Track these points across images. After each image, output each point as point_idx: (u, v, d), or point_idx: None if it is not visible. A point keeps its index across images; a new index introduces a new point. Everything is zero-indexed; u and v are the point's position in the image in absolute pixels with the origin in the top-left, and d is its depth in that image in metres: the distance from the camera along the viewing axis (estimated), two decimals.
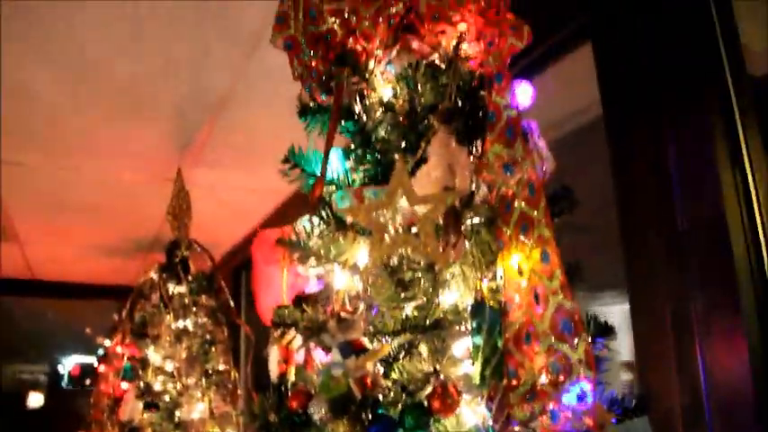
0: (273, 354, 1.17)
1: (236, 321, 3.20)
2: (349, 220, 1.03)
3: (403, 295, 1.00)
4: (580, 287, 1.21)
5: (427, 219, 0.95)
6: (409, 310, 1.04)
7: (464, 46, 1.18)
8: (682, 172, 1.57)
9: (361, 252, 1.09)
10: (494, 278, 1.07)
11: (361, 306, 1.04)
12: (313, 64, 1.24)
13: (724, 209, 1.45)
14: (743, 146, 1.54)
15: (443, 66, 1.20)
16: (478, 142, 1.08)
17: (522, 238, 0.95)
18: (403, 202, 0.97)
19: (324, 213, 1.09)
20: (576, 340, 0.89)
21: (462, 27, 1.16)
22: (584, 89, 1.96)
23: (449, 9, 1.15)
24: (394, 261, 1.01)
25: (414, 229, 0.98)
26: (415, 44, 1.26)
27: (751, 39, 1.81)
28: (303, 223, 1.20)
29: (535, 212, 0.95)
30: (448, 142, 1.02)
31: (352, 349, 0.98)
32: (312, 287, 1.37)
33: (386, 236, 0.96)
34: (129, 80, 2.62)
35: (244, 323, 3.19)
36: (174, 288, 3.16)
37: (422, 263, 1.00)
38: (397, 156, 1.15)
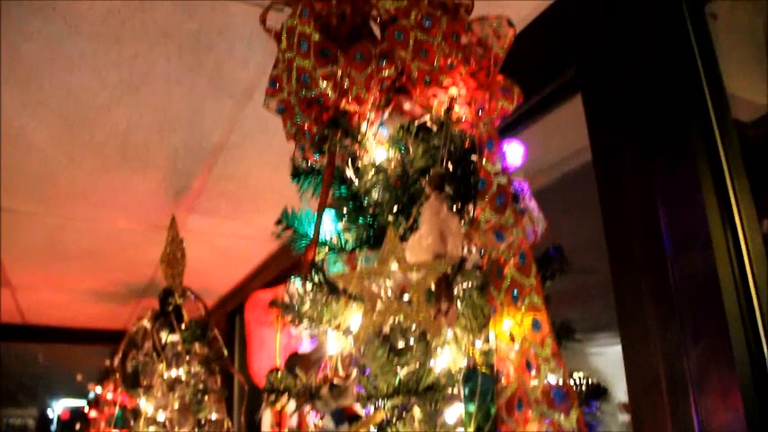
0: (266, 418, 1.16)
1: (229, 370, 3.18)
2: (341, 285, 1.04)
3: (396, 361, 1.00)
4: (572, 339, 1.22)
5: (419, 287, 0.96)
6: (402, 373, 1.04)
7: (456, 109, 1.20)
8: (672, 225, 1.58)
9: (353, 316, 1.10)
10: (486, 341, 1.07)
11: (354, 372, 1.04)
12: (306, 126, 1.25)
13: (715, 264, 1.46)
14: (732, 199, 1.56)
15: (435, 128, 1.22)
16: (469, 208, 1.09)
17: (513, 304, 0.96)
18: (395, 270, 0.98)
19: (316, 278, 1.10)
20: (568, 408, 0.89)
21: (453, 91, 1.18)
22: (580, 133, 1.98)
23: (440, 73, 1.18)
24: (386, 328, 1.01)
25: (406, 296, 0.98)
26: (407, 105, 1.28)
27: (738, 86, 1.84)
28: (296, 285, 1.21)
29: (526, 280, 0.95)
30: (439, 209, 1.03)
31: (345, 416, 0.98)
32: (306, 347, 1.37)
33: (378, 303, 0.97)
34: (125, 131, 2.64)
35: (237, 372, 3.16)
36: (167, 336, 3.15)
37: (414, 330, 1.00)
38: (389, 219, 1.16)
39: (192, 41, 2.11)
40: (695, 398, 1.44)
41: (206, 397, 3.08)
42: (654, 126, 1.66)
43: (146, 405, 3.04)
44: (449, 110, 1.18)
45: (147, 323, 3.24)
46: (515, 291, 0.96)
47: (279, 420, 1.16)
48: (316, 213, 1.26)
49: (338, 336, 1.11)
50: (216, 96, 2.40)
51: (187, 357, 3.08)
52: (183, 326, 3.19)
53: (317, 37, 1.16)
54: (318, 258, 1.18)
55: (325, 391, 1.01)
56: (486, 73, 1.23)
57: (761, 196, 1.73)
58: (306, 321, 1.14)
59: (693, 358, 1.47)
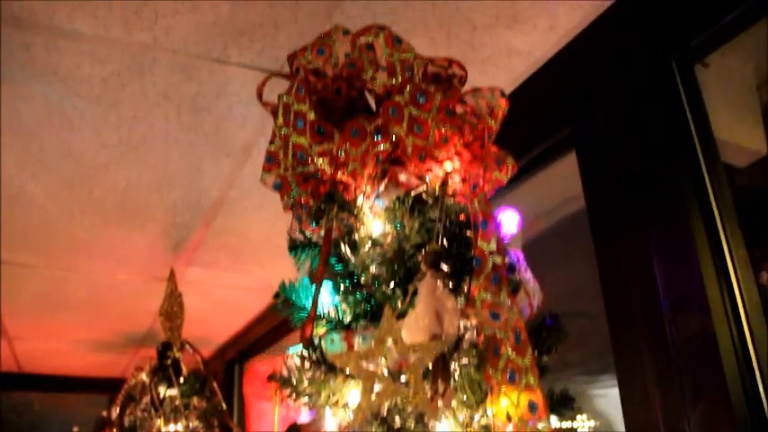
0: None
1: (228, 425, 3.15)
2: (339, 365, 1.04)
3: None
4: (571, 408, 1.22)
5: (416, 367, 0.96)
6: None
7: (451, 182, 1.21)
8: (669, 284, 1.59)
9: (351, 393, 1.10)
10: (484, 416, 1.07)
11: None
12: (302, 200, 1.27)
13: (713, 324, 1.46)
14: (727, 255, 1.57)
15: (431, 200, 1.23)
16: (465, 285, 1.10)
17: (509, 384, 0.96)
18: (392, 350, 0.99)
19: (314, 356, 1.10)
20: None
21: (448, 166, 1.20)
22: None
23: (434, 147, 1.19)
24: (383, 410, 1.01)
25: (403, 377, 0.99)
26: (402, 177, 1.30)
27: (732, 133, 1.87)
28: (294, 358, 1.21)
29: (521, 361, 0.96)
30: (435, 287, 1.04)
31: None
32: (304, 418, 1.36)
33: (376, 384, 0.97)
34: (124, 189, 2.66)
35: (236, 426, 3.13)
36: (165, 391, 3.13)
37: (411, 412, 1.01)
38: (386, 293, 1.17)
39: (190, 103, 2.14)
40: None
41: None
42: (647, 181, 1.68)
43: None
44: (444, 184, 1.20)
45: (145, 377, 3.22)
46: (511, 371, 0.96)
47: None
48: (313, 287, 1.27)
49: (336, 411, 1.12)
50: (214, 155, 2.43)
51: (185, 412, 3.05)
52: (181, 379, 3.17)
53: (312, 115, 1.19)
54: (316, 332, 1.19)
55: None
56: (480, 144, 1.25)
57: (756, 245, 1.75)
58: (304, 396, 1.14)
59: (694, 420, 1.47)
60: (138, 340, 4.90)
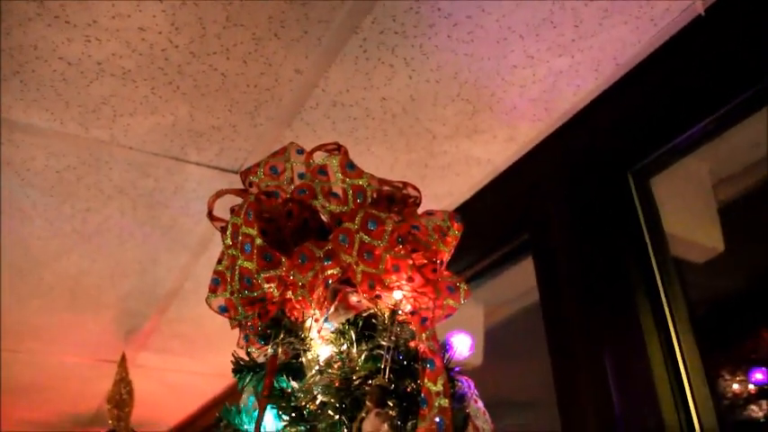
0: None
1: None
2: None
3: None
4: None
5: None
6: None
7: (401, 311, 1.19)
8: (625, 406, 1.58)
9: None
10: None
11: None
12: (249, 322, 1.24)
13: None
14: (683, 374, 1.57)
15: (381, 325, 1.21)
16: (409, 425, 1.07)
17: None
18: None
19: None
20: None
21: (398, 295, 1.18)
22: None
23: (385, 275, 1.18)
24: None
25: None
26: (353, 298, 1.28)
27: (687, 230, 1.89)
28: None
29: None
30: (379, 428, 1.01)
31: None
32: None
33: None
34: (75, 276, 2.59)
35: None
36: None
37: None
38: (331, 419, 1.13)
39: (146, 198, 2.12)
40: None
41: None
42: (602, 290, 1.69)
43: None
44: (393, 313, 1.18)
45: None
46: None
47: None
48: (256, 412, 1.23)
49: None
50: (169, 248, 2.39)
51: None
52: None
53: (259, 241, 1.17)
54: None
55: None
56: (433, 268, 1.24)
57: (713, 349, 1.75)
58: None
59: None
60: (84, 422, 4.71)
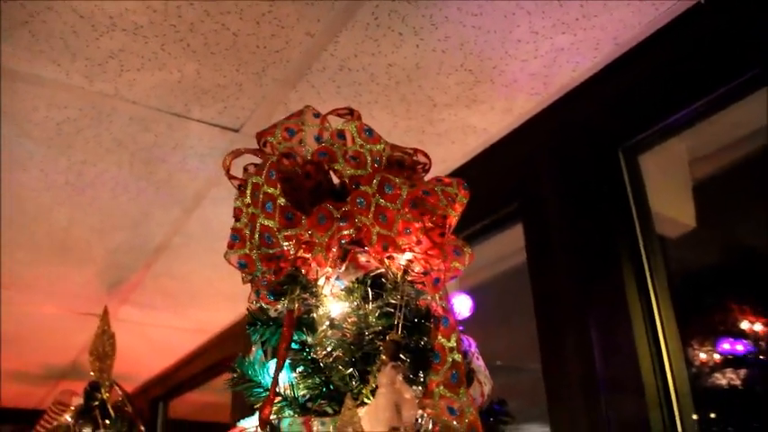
0: None
1: None
2: None
3: None
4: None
5: None
6: None
7: (411, 271, 1.26)
8: (606, 366, 1.67)
9: None
10: None
11: None
12: (265, 277, 1.29)
13: (647, 410, 1.55)
14: (661, 337, 1.67)
15: (390, 286, 1.27)
16: (422, 376, 1.14)
17: None
18: None
19: None
20: None
21: (409, 255, 1.24)
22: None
23: (397, 237, 1.23)
24: None
25: None
26: (363, 258, 1.33)
27: (663, 206, 1.98)
28: None
29: None
30: (395, 379, 1.07)
31: None
32: None
33: None
34: (65, 228, 2.61)
35: None
36: None
37: None
38: (344, 374, 1.20)
39: (145, 153, 2.14)
40: None
41: None
42: (589, 259, 1.77)
43: None
44: (405, 272, 1.24)
45: (69, 418, 3.11)
46: None
47: None
48: (266, 363, 1.28)
49: None
50: (163, 203, 2.42)
51: None
52: (107, 422, 3.08)
53: (282, 201, 1.22)
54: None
55: None
56: (439, 232, 1.30)
57: (687, 320, 1.85)
58: None
59: None
60: (58, 373, 4.74)
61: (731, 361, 2.33)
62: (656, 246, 1.80)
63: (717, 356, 2.36)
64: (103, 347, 3.17)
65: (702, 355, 2.35)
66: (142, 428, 3.18)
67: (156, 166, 2.21)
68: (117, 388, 3.16)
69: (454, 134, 2.06)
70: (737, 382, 2.30)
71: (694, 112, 1.68)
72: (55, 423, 3.24)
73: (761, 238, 2.32)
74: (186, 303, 3.42)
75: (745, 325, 2.36)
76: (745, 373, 2.32)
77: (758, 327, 2.35)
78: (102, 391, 3.12)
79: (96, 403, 3.11)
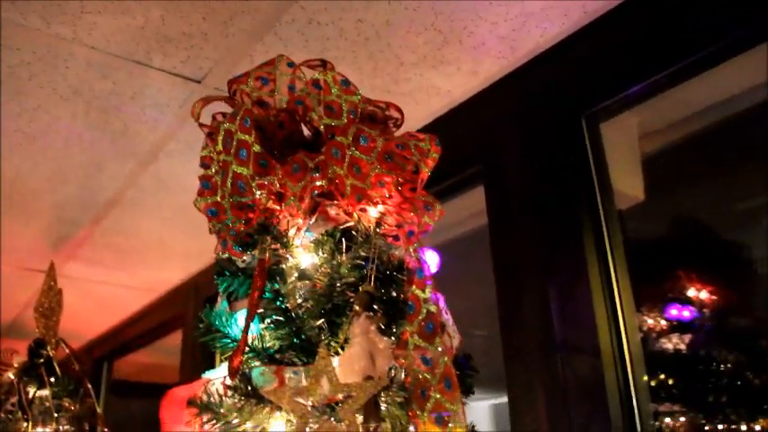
0: None
1: (102, 429, 3.03)
2: (274, 401, 1.06)
3: None
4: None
5: (350, 407, 1.00)
6: None
7: (383, 224, 1.26)
8: (564, 327, 1.71)
9: (276, 425, 1.12)
10: None
11: None
12: (234, 226, 1.27)
13: (603, 370, 1.59)
14: (618, 300, 1.71)
15: (361, 238, 1.27)
16: (394, 328, 1.15)
17: (436, 425, 1.02)
18: (326, 388, 1.02)
19: (243, 387, 1.11)
20: None
21: (381, 208, 1.24)
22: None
23: (371, 189, 1.23)
24: None
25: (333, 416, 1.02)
26: (332, 211, 1.33)
27: (614, 179, 2.02)
28: (215, 385, 1.21)
29: (450, 406, 1.02)
30: (368, 329, 1.08)
31: None
32: None
33: (310, 422, 1.00)
34: (12, 180, 2.52)
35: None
36: (34, 391, 2.96)
37: None
38: (314, 326, 1.20)
39: (101, 102, 2.07)
40: None
41: None
42: (550, 222, 1.81)
43: None
44: (378, 226, 1.24)
45: (12, 376, 3.03)
46: (440, 414, 1.02)
47: None
48: (233, 315, 1.28)
49: None
50: (117, 155, 2.36)
51: (56, 415, 2.91)
52: (52, 380, 3.02)
53: (257, 148, 1.20)
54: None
55: None
56: (410, 187, 1.31)
57: (640, 282, 1.91)
58: (226, 425, 1.15)
59: None
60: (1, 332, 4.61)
61: (678, 326, 2.43)
62: (615, 213, 1.84)
63: (664, 322, 2.45)
64: (50, 304, 3.09)
65: (650, 321, 2.44)
66: (89, 387, 3.14)
67: (112, 116, 2.14)
68: (63, 346, 3.11)
69: (419, 95, 2.05)
70: (683, 347, 2.40)
71: (657, 83, 1.71)
72: None
73: (706, 212, 2.41)
74: (135, 261, 3.36)
75: (691, 292, 2.46)
76: (691, 338, 2.42)
77: (704, 294, 2.45)
78: (48, 348, 3.06)
79: (41, 361, 3.05)
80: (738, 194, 2.23)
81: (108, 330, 4.52)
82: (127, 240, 3.10)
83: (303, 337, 1.19)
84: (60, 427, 2.89)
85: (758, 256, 2.29)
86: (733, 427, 2.35)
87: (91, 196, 2.66)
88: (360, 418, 1.03)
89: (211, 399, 1.19)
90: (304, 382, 1.08)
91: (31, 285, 3.41)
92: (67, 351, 3.09)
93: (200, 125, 1.35)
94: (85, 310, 4.08)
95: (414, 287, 1.12)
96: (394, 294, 1.19)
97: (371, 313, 1.12)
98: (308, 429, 1.01)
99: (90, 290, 3.77)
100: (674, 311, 2.40)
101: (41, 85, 1.99)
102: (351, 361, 1.05)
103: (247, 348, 1.23)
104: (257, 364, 1.18)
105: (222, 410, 1.15)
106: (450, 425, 1.01)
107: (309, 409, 1.02)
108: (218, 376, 1.26)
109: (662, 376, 2.20)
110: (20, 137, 2.25)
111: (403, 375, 1.11)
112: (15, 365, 3.11)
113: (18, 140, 2.27)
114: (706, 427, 2.34)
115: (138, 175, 2.50)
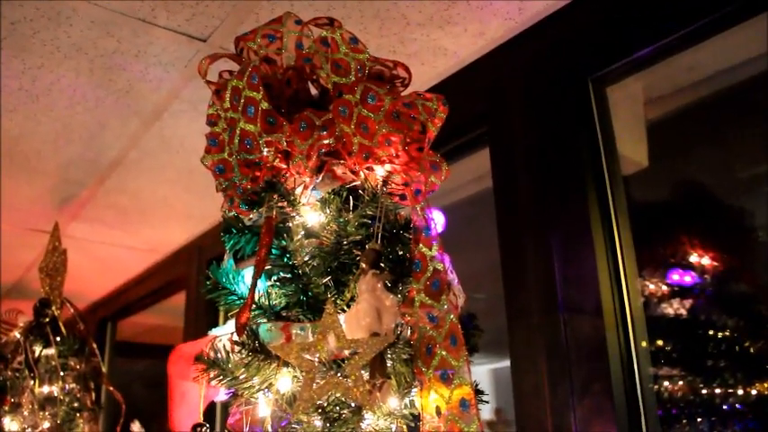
0: None
1: (107, 388, 3.07)
2: (281, 356, 1.07)
3: (330, 429, 1.05)
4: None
5: (357, 363, 1.01)
6: None
7: (390, 182, 1.26)
8: (567, 287, 1.72)
9: (282, 380, 1.13)
10: (408, 407, 1.14)
11: None
12: (241, 184, 1.27)
13: (605, 331, 1.61)
14: (621, 266, 1.72)
15: (367, 197, 1.27)
16: (401, 285, 1.16)
17: (441, 382, 1.03)
18: (333, 344, 1.03)
19: (251, 343, 1.12)
20: None
21: (388, 167, 1.24)
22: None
23: (378, 147, 1.23)
24: (324, 400, 1.05)
25: (341, 372, 1.03)
26: (339, 170, 1.33)
27: (619, 144, 2.02)
28: (222, 341, 1.23)
29: (456, 362, 1.03)
30: (375, 286, 1.09)
31: None
32: (222, 397, 1.38)
33: (317, 378, 1.01)
34: (15, 139, 2.51)
35: (114, 390, 3.05)
36: (40, 350, 2.99)
37: (351, 404, 1.05)
38: (320, 284, 1.20)
39: (105, 60, 2.06)
40: None
41: (78, 415, 2.96)
42: (554, 184, 1.81)
43: (10, 424, 2.88)
44: (385, 184, 1.24)
45: (18, 335, 3.06)
46: (445, 371, 1.03)
47: None
48: (241, 272, 1.28)
49: (268, 397, 1.14)
50: (122, 114, 2.35)
51: (62, 373, 2.94)
52: (58, 339, 3.05)
53: (265, 105, 1.19)
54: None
55: None
56: (417, 147, 1.30)
57: (643, 247, 1.92)
58: (233, 380, 1.16)
59: (579, 414, 1.61)
60: (3, 292, 4.63)
61: (679, 292, 2.44)
62: (620, 177, 1.84)
63: (665, 287, 2.47)
64: (54, 264, 3.11)
65: (651, 286, 2.45)
66: (94, 346, 3.18)
67: (116, 75, 2.13)
68: (68, 305, 3.13)
69: (425, 55, 2.04)
70: (683, 312, 2.41)
71: (664, 47, 1.70)
72: (3, 339, 3.19)
73: (709, 179, 2.41)
74: (139, 221, 3.36)
75: (693, 258, 2.47)
76: (691, 303, 2.43)
77: (705, 260, 2.46)
78: (53, 308, 3.08)
79: (47, 320, 3.08)
80: (741, 162, 2.23)
81: (111, 291, 4.55)
82: (130, 201, 3.11)
83: (310, 294, 1.20)
84: (66, 385, 2.93)
85: (760, 223, 2.30)
86: (730, 391, 2.38)
87: (94, 156, 2.65)
88: (366, 374, 1.04)
89: (218, 355, 1.21)
90: (311, 338, 1.09)
91: (35, 246, 3.42)
92: (72, 311, 3.12)
93: (208, 82, 1.35)
94: (89, 270, 4.09)
95: (421, 245, 1.12)
96: (400, 253, 1.20)
97: (378, 270, 1.13)
98: (314, 385, 1.02)
99: (93, 250, 3.78)
100: (675, 276, 2.41)
101: (44, 42, 1.97)
102: (357, 317, 1.06)
103: (254, 306, 1.24)
104: (264, 321, 1.19)
105: (229, 366, 1.17)
106: (454, 382, 1.03)
107: (316, 364, 1.03)
108: (224, 333, 1.27)
109: (661, 341, 2.22)
110: (23, 95, 2.24)
111: (409, 332, 1.12)
112: (21, 325, 3.14)
113: (21, 99, 2.26)
114: (703, 391, 2.37)
115: (142, 135, 2.49)
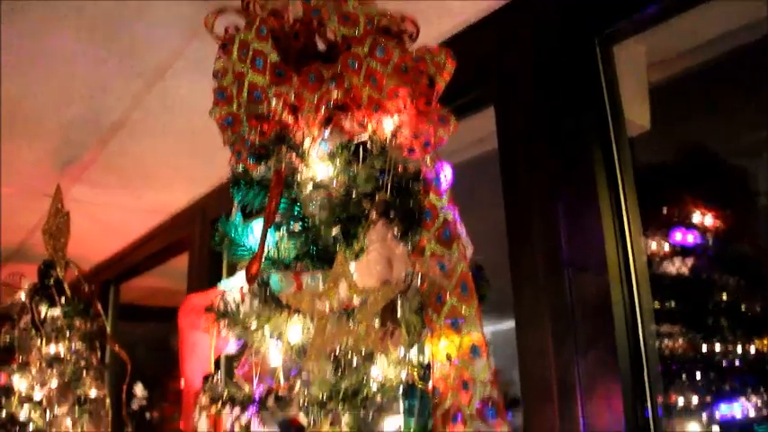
0: (202, 423, 1.19)
1: (112, 348, 3.11)
2: (293, 305, 1.08)
3: (341, 377, 1.07)
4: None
5: (368, 311, 1.03)
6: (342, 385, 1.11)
7: (399, 135, 1.26)
8: (571, 245, 1.74)
9: (293, 329, 1.15)
10: (418, 355, 1.16)
11: (298, 384, 1.10)
12: (250, 137, 1.28)
13: (609, 289, 1.62)
14: (626, 222, 1.73)
15: (375, 149, 1.28)
16: (411, 235, 1.17)
17: (452, 330, 1.05)
18: (344, 292, 1.05)
19: (262, 293, 1.14)
20: (500, 424, 1.00)
21: (396, 120, 1.24)
22: None
23: (387, 100, 1.23)
24: (336, 348, 1.07)
25: (352, 320, 1.05)
26: (346, 124, 1.33)
27: (627, 109, 2.02)
28: (233, 292, 1.24)
29: (467, 310, 1.05)
30: (386, 235, 1.10)
31: (291, 427, 1.04)
32: (231, 348, 1.40)
33: (329, 325, 1.03)
34: (15, 100, 2.50)
35: (120, 349, 3.09)
36: (46, 311, 3.03)
37: (363, 351, 1.07)
38: (330, 235, 1.22)
39: (106, 20, 2.04)
40: (582, 402, 1.60)
41: (85, 373, 3.00)
42: (560, 143, 1.81)
43: (20, 382, 2.92)
44: (393, 137, 1.25)
45: (24, 296, 3.09)
46: (455, 318, 1.05)
47: (214, 423, 1.20)
48: (249, 224, 1.30)
49: (279, 346, 1.16)
50: (123, 75, 2.33)
51: (68, 333, 2.98)
52: (63, 300, 3.08)
53: (274, 57, 1.19)
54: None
55: (270, 402, 1.06)
56: (425, 100, 1.31)
57: (646, 207, 1.93)
58: (243, 330, 1.18)
59: (583, 370, 1.64)
60: (6, 255, 4.65)
61: (681, 251, 2.47)
62: (626, 137, 1.84)
63: (668, 247, 2.49)
64: (57, 226, 3.13)
65: (654, 246, 2.48)
66: (99, 307, 3.21)
67: (117, 35, 2.11)
68: (73, 267, 3.16)
69: (430, 14, 2.02)
70: (685, 271, 2.44)
71: (671, 5, 1.69)
72: (9, 301, 3.22)
73: (711, 143, 2.42)
74: (142, 183, 3.36)
75: (696, 218, 2.49)
76: (693, 263, 2.46)
77: (708, 220, 2.48)
78: (58, 269, 3.11)
79: (51, 282, 3.11)
80: (743, 127, 2.24)
81: (114, 254, 4.56)
82: (133, 163, 3.10)
83: (319, 245, 1.21)
84: (72, 345, 2.97)
85: (762, 188, 2.32)
86: (729, 347, 2.42)
87: (96, 117, 2.64)
88: (377, 322, 1.06)
89: (228, 306, 1.22)
90: (322, 287, 1.10)
91: (37, 209, 3.42)
92: (76, 272, 3.14)
93: (215, 37, 1.34)
94: (92, 233, 4.10)
95: (431, 195, 1.13)
96: (410, 204, 1.21)
97: (388, 220, 1.14)
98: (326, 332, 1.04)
99: (96, 213, 3.79)
100: (678, 236, 2.43)
101: (45, 2, 1.95)
102: (368, 266, 1.07)
103: (263, 257, 1.25)
104: (274, 272, 1.20)
105: (240, 316, 1.18)
106: (464, 329, 1.05)
107: (327, 312, 1.05)
108: (233, 285, 1.29)
109: (664, 298, 2.26)
110: (24, 55, 2.22)
111: (419, 281, 1.13)
112: (25, 288, 3.17)
113: (21, 59, 2.24)
114: (704, 348, 2.41)
115: (144, 95, 2.48)
